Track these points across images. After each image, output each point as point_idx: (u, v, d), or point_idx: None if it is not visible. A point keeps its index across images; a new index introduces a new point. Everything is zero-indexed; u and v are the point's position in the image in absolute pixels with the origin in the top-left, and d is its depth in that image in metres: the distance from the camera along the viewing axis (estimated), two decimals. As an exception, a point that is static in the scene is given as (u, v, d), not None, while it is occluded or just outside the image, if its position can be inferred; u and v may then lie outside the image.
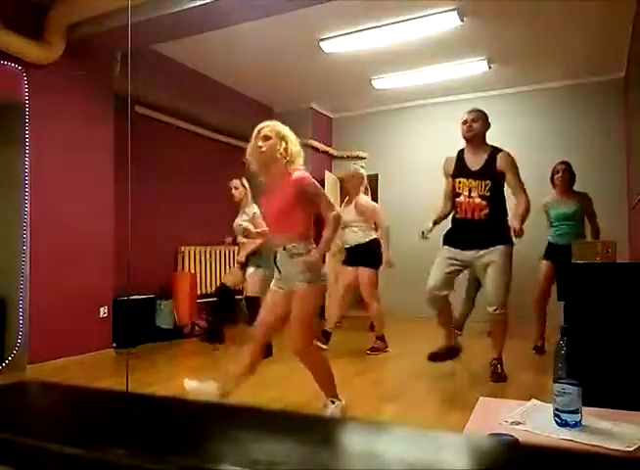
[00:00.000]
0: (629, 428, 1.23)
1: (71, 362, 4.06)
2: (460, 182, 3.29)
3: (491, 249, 3.22)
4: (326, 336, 4.65)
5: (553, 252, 4.30)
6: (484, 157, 3.26)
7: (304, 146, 7.05)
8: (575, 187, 4.58)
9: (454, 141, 6.55)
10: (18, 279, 3.87)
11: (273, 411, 0.48)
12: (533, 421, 1.32)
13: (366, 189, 4.75)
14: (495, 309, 3.24)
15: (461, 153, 3.39)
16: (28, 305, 3.88)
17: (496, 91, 6.34)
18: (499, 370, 3.32)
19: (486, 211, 3.21)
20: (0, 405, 0.51)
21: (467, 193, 3.23)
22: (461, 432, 1.36)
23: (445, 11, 4.31)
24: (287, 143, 2.59)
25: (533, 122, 6.17)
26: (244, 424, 0.45)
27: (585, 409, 1.27)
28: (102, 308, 4.47)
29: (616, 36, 4.79)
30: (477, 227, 3.25)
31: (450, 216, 3.48)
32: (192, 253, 5.84)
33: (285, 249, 2.52)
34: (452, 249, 3.36)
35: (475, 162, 3.27)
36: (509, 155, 3.28)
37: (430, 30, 4.65)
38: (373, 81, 6.03)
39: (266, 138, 2.58)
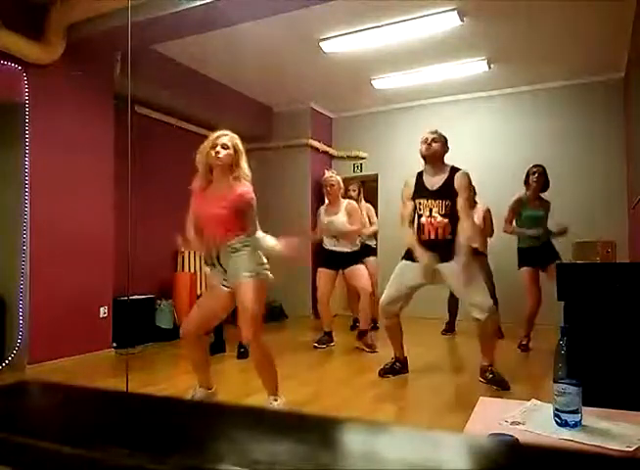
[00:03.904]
0: (629, 428, 1.23)
1: (71, 362, 4.06)
2: (420, 203, 3.31)
3: (455, 262, 3.21)
4: (329, 336, 4.78)
5: (526, 257, 4.41)
6: (443, 177, 3.29)
7: (304, 146, 7.11)
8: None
9: (454, 141, 6.57)
10: (17, 279, 3.87)
11: (273, 411, 0.48)
12: (533, 421, 1.31)
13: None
14: (483, 315, 3.21)
15: (420, 175, 3.41)
16: (28, 304, 3.88)
17: (496, 91, 6.35)
18: (497, 378, 3.26)
19: (449, 229, 3.24)
20: (0, 405, 0.51)
21: (428, 213, 3.27)
22: (461, 432, 1.36)
23: (445, 11, 4.32)
24: (241, 158, 2.69)
25: (533, 122, 6.17)
26: (244, 424, 0.45)
27: (585, 409, 1.27)
28: (102, 308, 4.47)
29: (616, 36, 4.79)
30: (440, 246, 3.27)
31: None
32: (192, 253, 5.84)
33: (227, 247, 2.64)
34: (413, 263, 3.33)
35: (433, 182, 3.31)
36: (466, 175, 3.29)
37: (430, 30, 4.65)
38: (373, 81, 6.03)
39: (224, 147, 2.65)
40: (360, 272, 4.63)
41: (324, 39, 4.86)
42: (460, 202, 3.22)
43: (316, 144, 6.90)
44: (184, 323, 2.81)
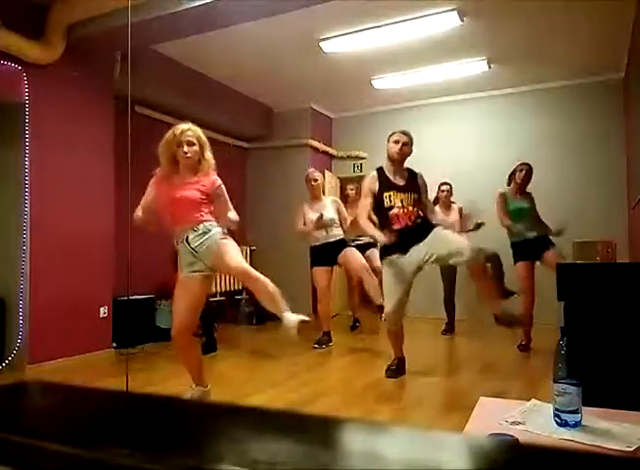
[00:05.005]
0: (629, 428, 1.23)
1: (71, 362, 4.06)
2: (390, 195, 3.49)
3: (427, 238, 3.41)
4: (328, 336, 4.74)
5: (520, 250, 4.38)
6: (405, 174, 3.58)
7: (304, 146, 7.10)
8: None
9: (454, 141, 6.57)
10: (18, 279, 3.87)
11: (273, 411, 0.48)
12: (533, 421, 1.31)
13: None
14: (467, 257, 3.22)
15: (382, 171, 3.60)
16: (28, 305, 3.88)
17: (496, 91, 6.35)
18: (510, 317, 3.36)
19: (418, 217, 3.47)
20: (0, 405, 0.51)
21: (400, 204, 3.46)
22: (461, 432, 1.36)
23: (445, 11, 4.32)
24: (205, 150, 2.83)
25: (533, 122, 6.17)
26: (244, 424, 0.45)
27: (585, 409, 1.27)
28: (102, 308, 4.47)
29: (616, 36, 4.79)
30: (413, 231, 3.44)
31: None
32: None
33: (195, 229, 2.75)
34: (396, 258, 3.43)
35: (398, 179, 3.55)
36: (423, 176, 3.67)
37: (430, 30, 4.65)
38: (373, 81, 6.03)
39: (190, 144, 2.77)
40: (350, 255, 4.65)
41: (324, 39, 4.85)
42: (425, 199, 3.63)
43: (316, 144, 6.89)
44: (173, 330, 2.85)
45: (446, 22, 4.47)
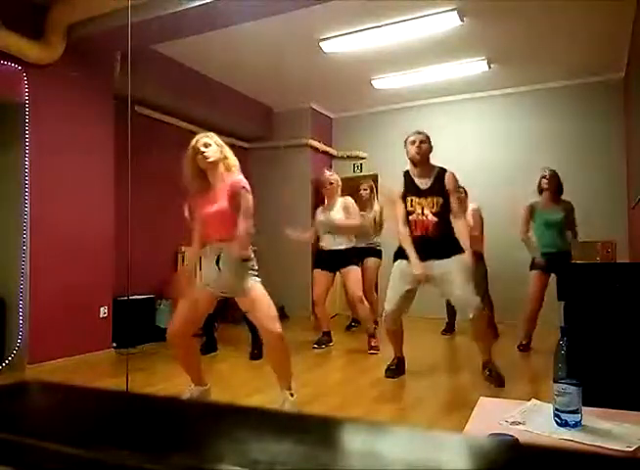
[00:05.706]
0: (629, 428, 1.23)
1: (71, 362, 4.06)
2: (412, 200, 3.37)
3: (447, 260, 3.28)
4: (328, 336, 4.73)
5: (540, 263, 4.27)
6: (432, 175, 3.39)
7: (304, 146, 7.10)
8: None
9: (454, 141, 6.58)
10: (18, 279, 3.87)
11: (273, 411, 0.48)
12: (533, 421, 1.31)
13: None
14: (473, 313, 3.23)
15: (407, 174, 3.48)
16: (28, 304, 3.88)
17: (496, 91, 6.35)
18: (494, 374, 3.30)
19: (438, 227, 3.32)
20: (0, 405, 0.51)
21: (420, 211, 3.34)
22: (461, 432, 1.36)
23: (445, 11, 4.32)
24: (225, 149, 2.74)
25: (533, 122, 6.17)
26: (244, 424, 0.45)
27: (585, 409, 1.27)
28: (102, 308, 4.47)
29: (616, 36, 4.79)
30: (431, 243, 3.33)
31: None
32: (192, 253, 5.84)
33: (229, 248, 2.63)
34: (408, 263, 3.37)
35: (423, 181, 3.40)
36: (454, 175, 3.42)
37: (430, 30, 4.65)
38: (373, 81, 6.03)
39: (207, 145, 2.69)
40: (351, 276, 4.55)
41: (324, 39, 4.85)
42: (453, 202, 3.35)
43: (316, 144, 6.89)
44: (169, 328, 2.81)
45: (446, 22, 4.47)
